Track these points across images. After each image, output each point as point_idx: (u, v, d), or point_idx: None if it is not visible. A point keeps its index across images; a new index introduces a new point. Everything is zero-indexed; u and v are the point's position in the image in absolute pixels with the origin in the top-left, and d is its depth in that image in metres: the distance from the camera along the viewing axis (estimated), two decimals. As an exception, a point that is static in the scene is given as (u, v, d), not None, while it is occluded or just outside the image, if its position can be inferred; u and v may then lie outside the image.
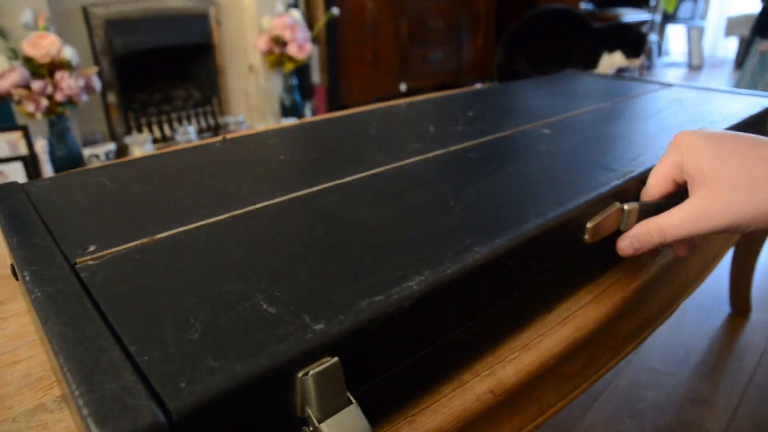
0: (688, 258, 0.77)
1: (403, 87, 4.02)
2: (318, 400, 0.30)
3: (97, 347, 0.30)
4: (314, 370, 0.30)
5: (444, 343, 0.42)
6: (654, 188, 0.54)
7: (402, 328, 0.36)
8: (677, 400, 1.32)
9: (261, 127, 3.01)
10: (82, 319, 0.32)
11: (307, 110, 3.32)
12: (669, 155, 0.52)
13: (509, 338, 0.50)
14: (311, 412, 0.30)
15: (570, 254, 0.52)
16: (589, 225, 0.52)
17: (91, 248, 0.43)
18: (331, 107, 3.47)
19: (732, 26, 5.06)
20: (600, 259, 0.60)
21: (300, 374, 0.30)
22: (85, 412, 0.25)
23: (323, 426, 0.30)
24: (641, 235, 0.52)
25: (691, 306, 1.71)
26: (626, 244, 0.53)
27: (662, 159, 0.53)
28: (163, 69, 2.84)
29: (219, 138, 0.75)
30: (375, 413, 0.39)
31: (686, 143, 0.50)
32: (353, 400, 0.32)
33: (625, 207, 0.54)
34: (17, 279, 0.44)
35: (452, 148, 0.65)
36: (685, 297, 0.82)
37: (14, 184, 0.59)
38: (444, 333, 0.41)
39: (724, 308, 1.69)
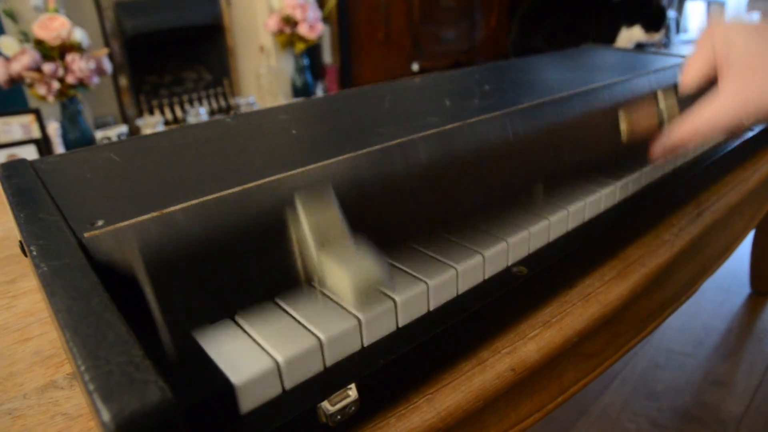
0: (710, 236, 0.75)
1: (415, 67, 3.96)
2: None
3: (105, 321, 0.29)
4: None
5: (463, 320, 0.40)
6: (689, 79, 0.52)
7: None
8: (695, 382, 1.30)
9: (272, 108, 2.99)
10: (89, 293, 0.31)
11: (319, 90, 3.29)
12: (702, 46, 0.50)
13: (530, 315, 0.49)
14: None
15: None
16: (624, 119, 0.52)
17: (99, 223, 0.41)
18: (343, 87, 3.44)
19: (754, 1, 4.91)
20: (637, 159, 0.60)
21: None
22: (91, 387, 0.24)
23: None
24: (677, 130, 0.50)
25: (710, 286, 1.68)
26: (663, 143, 0.52)
27: (695, 51, 0.51)
28: (173, 51, 2.82)
29: (230, 115, 0.74)
30: (393, 391, 0.38)
31: (720, 32, 0.47)
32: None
33: (661, 102, 0.54)
34: (26, 255, 0.43)
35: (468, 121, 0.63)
36: (708, 276, 0.79)
37: (23, 161, 0.58)
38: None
39: (744, 289, 1.65)
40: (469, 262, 0.43)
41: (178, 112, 2.73)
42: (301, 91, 3.11)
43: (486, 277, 0.45)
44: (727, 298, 1.62)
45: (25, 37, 1.98)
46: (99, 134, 2.29)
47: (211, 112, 2.82)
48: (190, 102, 2.78)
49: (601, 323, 0.53)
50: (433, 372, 0.41)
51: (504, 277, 0.45)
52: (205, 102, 2.83)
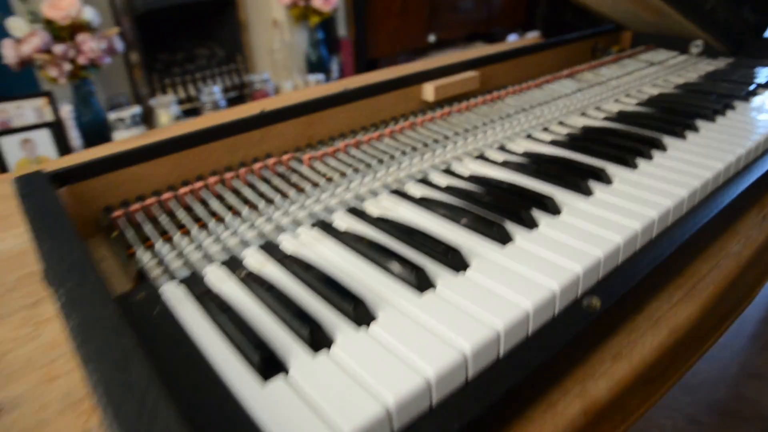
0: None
1: (431, 38, 3.85)
2: None
3: (148, 401, 0.25)
4: None
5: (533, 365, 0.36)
6: None
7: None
8: (732, 374, 1.26)
9: (287, 84, 2.93)
10: (128, 361, 0.28)
11: (334, 65, 3.21)
12: None
13: (599, 348, 0.45)
14: None
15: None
16: None
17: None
18: (359, 61, 3.35)
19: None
20: None
21: None
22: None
23: None
24: None
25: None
26: None
27: None
28: (185, 27, 2.75)
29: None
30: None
31: None
32: None
33: None
34: (48, 285, 0.40)
35: None
36: (766, 280, 0.74)
37: (39, 176, 0.54)
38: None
39: (782, 274, 1.59)
40: (541, 299, 0.39)
41: (191, 91, 2.68)
42: (316, 66, 3.03)
43: (556, 313, 0.40)
44: (764, 285, 1.56)
45: (34, 17, 1.92)
46: (112, 116, 2.24)
47: (225, 90, 2.76)
48: (203, 80, 2.72)
49: (672, 349, 0.48)
50: (503, 423, 0.37)
51: (575, 312, 0.41)
52: (218, 79, 2.77)
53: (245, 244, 0.49)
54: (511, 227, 0.47)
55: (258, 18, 2.86)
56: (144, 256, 0.48)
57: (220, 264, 0.45)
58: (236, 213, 0.56)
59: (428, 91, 0.83)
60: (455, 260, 0.42)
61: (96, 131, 2.21)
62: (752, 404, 1.21)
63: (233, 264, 0.45)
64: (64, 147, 2.03)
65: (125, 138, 0.93)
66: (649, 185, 0.55)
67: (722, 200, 0.57)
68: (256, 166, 0.62)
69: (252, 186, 0.60)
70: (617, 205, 0.51)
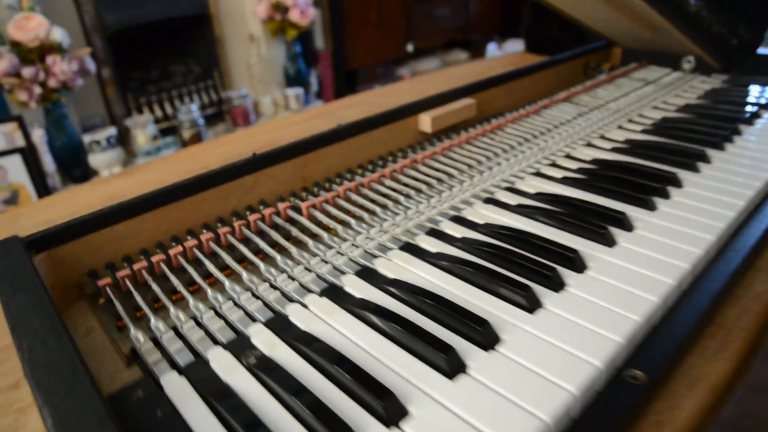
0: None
1: (410, 48, 3.83)
2: None
3: None
4: None
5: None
6: None
7: None
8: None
9: (266, 99, 2.87)
10: None
11: (313, 78, 3.17)
12: None
13: (640, 420, 0.41)
14: None
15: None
16: None
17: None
18: (337, 73, 3.31)
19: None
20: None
21: None
22: None
23: None
24: None
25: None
26: None
27: None
28: (159, 44, 2.68)
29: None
30: None
31: None
32: None
33: None
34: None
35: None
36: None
37: (14, 241, 0.49)
38: None
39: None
40: (584, 379, 0.35)
41: (168, 109, 2.61)
42: (295, 80, 2.99)
43: (599, 390, 0.37)
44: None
45: (0, 39, 1.85)
46: (87, 138, 2.17)
47: (203, 107, 2.69)
48: (180, 97, 2.65)
49: (711, 407, 0.45)
50: None
51: (618, 386, 0.38)
52: (195, 96, 2.70)
53: (249, 317, 0.44)
54: (540, 290, 0.44)
55: (234, 33, 2.81)
56: (137, 335, 0.43)
57: (224, 346, 0.41)
58: (235, 276, 0.51)
59: (425, 122, 0.79)
60: (488, 336, 0.39)
61: (70, 155, 2.14)
62: (757, 419, 1.19)
63: (239, 345, 0.41)
64: (37, 173, 1.95)
65: (105, 176, 0.87)
66: (673, 230, 0.52)
67: (748, 239, 0.54)
68: (252, 217, 0.58)
69: (249, 241, 0.55)
70: (644, 256, 0.48)
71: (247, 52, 2.86)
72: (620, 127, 0.79)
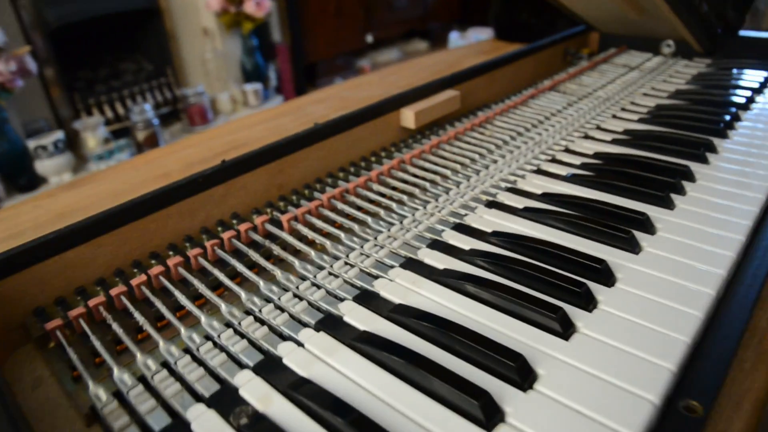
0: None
1: (369, 38, 3.76)
2: None
3: None
4: None
5: None
6: None
7: None
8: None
9: (224, 96, 2.75)
10: None
11: (271, 72, 3.06)
12: None
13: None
14: None
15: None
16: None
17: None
18: (296, 66, 3.21)
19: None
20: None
21: None
22: None
23: None
24: None
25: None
26: None
27: None
28: (107, 41, 2.53)
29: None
30: None
31: None
32: None
33: None
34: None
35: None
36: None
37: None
38: None
39: None
40: (641, 420, 0.30)
41: (120, 109, 2.46)
42: (253, 74, 2.88)
43: (652, 429, 0.32)
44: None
45: (-72, 40, 1.69)
46: (32, 143, 2.02)
47: (157, 106, 2.56)
48: (132, 97, 2.51)
49: (756, 426, 0.41)
50: None
51: (674, 421, 0.32)
52: (148, 95, 2.56)
53: (236, 362, 0.37)
54: (571, 310, 0.38)
55: (186, 27, 2.67)
56: (98, 392, 0.35)
57: (206, 402, 0.34)
58: (211, 307, 0.44)
59: (408, 117, 0.73)
60: (519, 374, 0.33)
61: (14, 163, 1.99)
62: None
63: (225, 399, 0.34)
64: (-24, 184, 1.80)
65: (52, 188, 0.78)
66: (697, 231, 0.47)
67: (772, 236, 0.50)
68: (226, 235, 0.51)
69: (224, 263, 0.48)
70: (674, 262, 0.43)
71: (201, 47, 2.73)
72: (615, 117, 0.75)
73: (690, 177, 0.56)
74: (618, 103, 0.80)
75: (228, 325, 0.41)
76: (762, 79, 0.84)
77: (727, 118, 0.69)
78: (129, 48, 2.62)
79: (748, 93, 0.78)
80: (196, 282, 0.45)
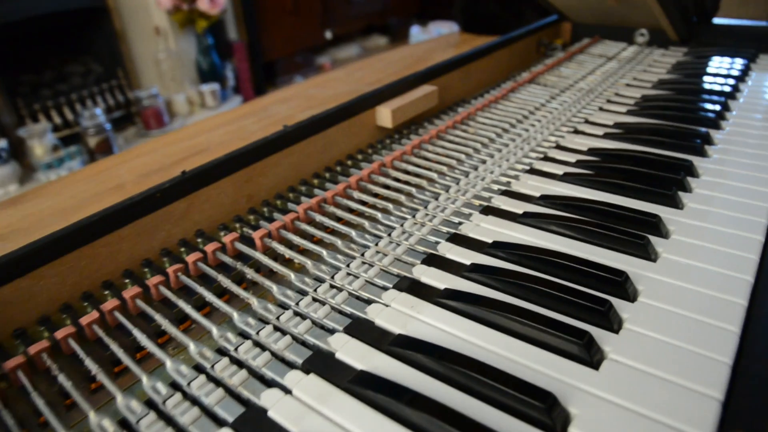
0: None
1: (328, 35, 3.68)
2: None
3: None
4: None
5: None
6: None
7: None
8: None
9: (179, 97, 2.64)
10: None
11: (229, 72, 2.95)
12: None
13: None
14: None
15: None
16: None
17: None
18: (254, 65, 3.11)
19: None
20: None
21: None
22: None
23: None
24: None
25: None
26: None
27: None
28: (50, 41, 2.38)
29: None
30: None
31: None
32: None
33: None
34: None
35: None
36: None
37: None
38: None
39: None
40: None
41: (69, 115, 2.33)
42: (209, 74, 2.77)
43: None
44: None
45: None
46: (-29, 154, 1.88)
47: (109, 110, 2.43)
48: (81, 101, 2.37)
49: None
50: None
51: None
52: (99, 99, 2.43)
53: (208, 414, 0.31)
54: (597, 333, 0.34)
55: (137, 26, 2.55)
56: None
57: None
58: (176, 346, 0.38)
59: (384, 115, 0.68)
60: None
61: (-49, 176, 1.84)
62: None
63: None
64: None
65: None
66: (712, 232, 0.43)
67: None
68: (191, 258, 0.44)
69: (191, 292, 0.42)
70: (696, 269, 0.39)
71: (153, 46, 2.61)
72: (602, 109, 0.71)
73: (693, 172, 0.52)
74: (602, 94, 0.76)
75: (198, 369, 0.34)
76: (741, 67, 0.82)
77: (719, 108, 0.66)
78: (76, 49, 2.47)
79: (732, 81, 0.76)
80: (157, 317, 0.39)
